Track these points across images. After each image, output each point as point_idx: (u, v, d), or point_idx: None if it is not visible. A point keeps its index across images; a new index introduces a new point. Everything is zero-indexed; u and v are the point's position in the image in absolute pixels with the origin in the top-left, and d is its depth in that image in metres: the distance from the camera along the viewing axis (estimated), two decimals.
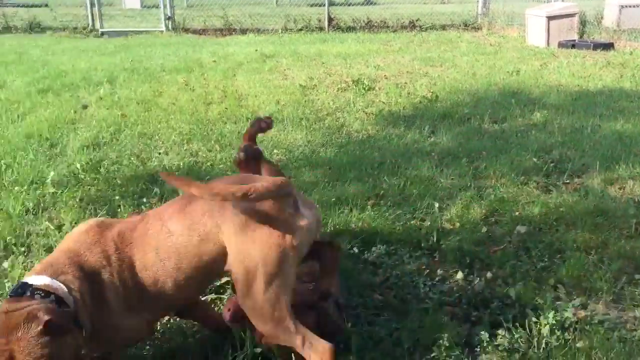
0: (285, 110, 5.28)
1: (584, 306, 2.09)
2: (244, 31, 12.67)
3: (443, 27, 13.20)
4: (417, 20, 13.28)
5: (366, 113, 5.12)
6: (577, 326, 1.93)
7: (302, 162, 3.82)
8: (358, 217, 2.77)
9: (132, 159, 3.92)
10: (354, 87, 6.29)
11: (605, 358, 1.72)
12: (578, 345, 1.81)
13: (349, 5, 19.95)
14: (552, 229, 2.68)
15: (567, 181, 3.31)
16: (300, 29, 12.83)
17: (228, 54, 9.00)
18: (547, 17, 9.41)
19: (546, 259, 2.40)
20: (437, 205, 2.91)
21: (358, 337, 1.92)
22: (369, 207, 2.91)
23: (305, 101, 5.69)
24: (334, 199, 3.04)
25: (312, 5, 19.12)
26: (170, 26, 12.31)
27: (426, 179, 3.38)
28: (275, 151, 4.10)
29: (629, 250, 2.43)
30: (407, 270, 2.35)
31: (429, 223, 2.78)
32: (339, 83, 6.53)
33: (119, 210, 2.95)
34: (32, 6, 17.59)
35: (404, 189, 3.22)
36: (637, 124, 4.46)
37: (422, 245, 2.57)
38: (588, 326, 1.95)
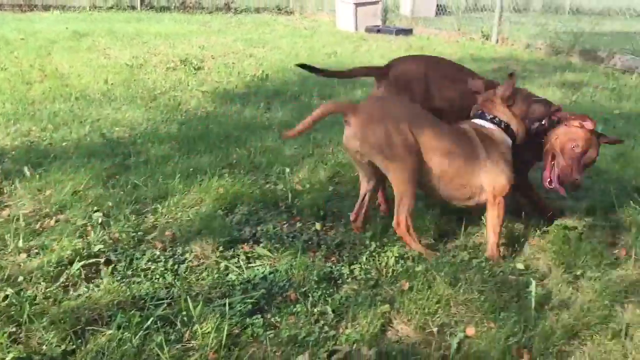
0: (116, 90, 5.20)
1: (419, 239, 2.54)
2: (46, 7, 11.79)
3: (257, 10, 13.57)
4: (232, 2, 13.47)
5: (201, 92, 5.25)
6: (416, 255, 2.37)
7: (147, 138, 3.86)
8: (217, 184, 2.96)
9: None
10: (183, 66, 6.35)
11: (438, 275, 2.16)
12: (417, 268, 2.24)
13: None
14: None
15: None
16: (111, 7, 12.31)
17: (36, 31, 8.39)
18: (354, 4, 10.23)
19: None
20: (287, 170, 3.22)
21: (238, 279, 2.16)
22: (225, 174, 3.12)
23: (135, 80, 5.63)
24: (190, 170, 3.19)
25: None
26: None
27: (271, 149, 3.66)
28: (116, 128, 4.07)
29: None
30: (271, 226, 2.62)
31: (282, 186, 3.07)
32: (167, 62, 6.53)
33: None
34: None
35: (254, 158, 3.48)
36: None
37: (280, 205, 2.86)
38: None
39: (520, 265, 2.34)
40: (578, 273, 2.28)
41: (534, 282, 2.10)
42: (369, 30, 10.06)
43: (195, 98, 5.06)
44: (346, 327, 1.92)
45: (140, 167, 3.26)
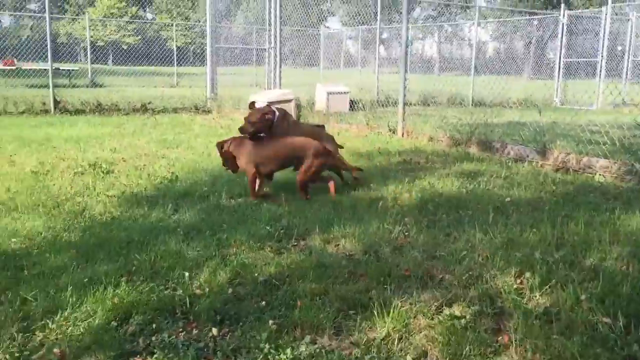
0: (17, 198, 5.06)
1: (313, 341, 2.57)
2: None
3: (175, 110, 13.77)
4: (149, 104, 13.62)
5: (108, 196, 5.20)
6: (310, 358, 2.39)
7: (45, 249, 3.76)
8: (113, 294, 2.91)
9: None
10: (92, 170, 6.30)
11: None
12: None
13: (75, 87, 19.48)
14: (286, 283, 3.18)
15: (295, 243, 3.91)
16: (22, 112, 12.14)
17: None
18: (268, 102, 10.61)
19: (283, 308, 2.87)
20: (187, 274, 3.21)
21: None
22: (122, 283, 3.07)
23: (40, 187, 5.52)
24: (85, 280, 3.12)
25: (30, 87, 18.13)
26: None
27: (174, 252, 3.65)
28: (13, 240, 3.94)
29: (344, 293, 3.04)
30: (166, 335, 2.58)
31: (181, 291, 3.05)
32: (75, 167, 6.46)
33: None
34: None
35: (155, 263, 3.45)
36: (343, 193, 5.39)
37: (177, 311, 2.83)
38: (318, 357, 2.43)
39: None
40: None
41: None
42: None
43: (102, 203, 5.00)
44: None
45: (33, 280, 3.15)
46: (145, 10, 57.62)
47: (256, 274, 3.28)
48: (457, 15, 43.32)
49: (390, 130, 9.57)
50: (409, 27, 9.90)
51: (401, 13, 10.65)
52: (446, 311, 2.76)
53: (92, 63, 25.65)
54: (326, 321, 2.71)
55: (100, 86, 22.30)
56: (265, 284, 3.15)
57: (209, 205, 4.97)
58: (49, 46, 12.38)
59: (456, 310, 2.79)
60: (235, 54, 23.05)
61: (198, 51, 47.55)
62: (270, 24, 13.73)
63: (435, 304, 2.90)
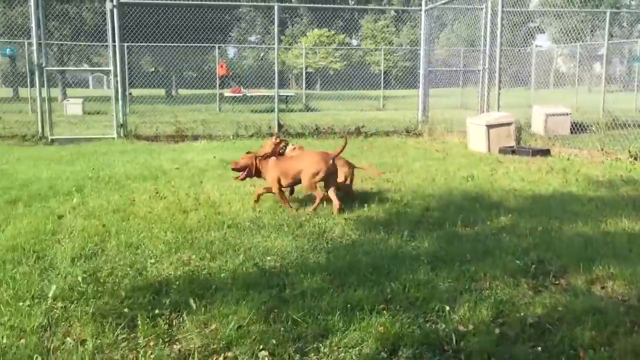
0: (264, 217, 5.43)
1: None
2: (195, 137, 12.94)
3: (386, 133, 13.98)
4: (362, 127, 14.02)
5: (344, 219, 5.34)
6: None
7: (298, 269, 3.93)
8: (376, 322, 2.89)
9: (128, 269, 3.91)
10: (322, 192, 6.55)
11: None
12: None
13: (291, 111, 20.89)
14: (560, 328, 2.88)
15: (554, 282, 3.58)
16: (252, 135, 13.25)
17: (188, 161, 9.17)
18: (486, 125, 10.24)
19: (563, 357, 2.59)
20: (447, 308, 3.08)
21: None
22: (384, 312, 3.04)
23: (279, 207, 5.87)
24: (345, 305, 3.15)
25: (254, 112, 19.83)
26: (122, 133, 12.43)
27: (424, 282, 3.56)
28: (267, 258, 4.19)
29: (631, 347, 2.66)
30: None
31: (443, 326, 2.93)
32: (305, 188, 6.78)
33: (137, 324, 2.94)
34: None
35: (409, 293, 3.39)
36: (594, 227, 4.87)
37: (445, 347, 2.71)
38: None
39: None
40: None
41: None
42: (502, 151, 9.93)
43: (339, 225, 5.14)
44: None
45: (297, 300, 3.28)
46: (351, 37, 60.30)
47: (521, 314, 3.03)
48: None
49: (631, 156, 8.56)
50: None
51: (624, 27, 9.56)
52: None
53: (302, 89, 27.47)
54: None
55: (313, 110, 23.66)
56: (536, 326, 2.89)
57: (446, 233, 4.82)
58: (276, 75, 13.46)
59: None
60: (438, 76, 22.92)
61: (400, 74, 48.41)
62: (485, 45, 13.32)
63: None
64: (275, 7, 13.29)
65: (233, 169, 6.14)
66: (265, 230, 5.02)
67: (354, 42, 63.69)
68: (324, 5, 25.44)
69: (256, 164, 5.98)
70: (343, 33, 53.19)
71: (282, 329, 2.90)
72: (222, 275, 3.80)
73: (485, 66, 13.30)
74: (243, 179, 6.10)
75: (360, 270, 3.82)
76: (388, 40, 53.98)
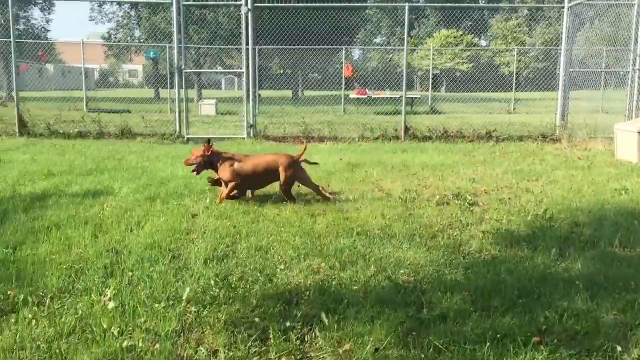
0: (394, 226, 5.17)
1: None
2: (321, 139, 12.96)
3: (520, 138, 13.15)
4: (493, 131, 13.30)
5: (481, 232, 4.94)
6: None
7: (434, 285, 3.64)
8: (535, 359, 2.53)
9: (258, 274, 3.83)
10: (456, 201, 6.17)
11: None
12: None
13: (415, 114, 20.43)
14: None
15: None
16: (377, 138, 13.04)
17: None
18: (638, 132, 9.22)
19: None
20: (618, 348, 2.65)
21: None
22: (540, 347, 2.68)
23: (409, 215, 5.58)
24: (496, 334, 2.82)
25: (378, 114, 19.66)
26: (252, 133, 12.74)
27: (583, 312, 3.13)
28: (400, 271, 3.94)
29: None
30: None
31: None
32: (436, 196, 6.43)
33: (269, 337, 2.82)
34: (118, 112, 18.76)
35: (566, 324, 2.98)
36: None
37: None
38: None
39: None
40: None
41: None
42: None
43: (476, 239, 4.77)
44: None
45: (438, 323, 3.00)
46: (480, 38, 58.25)
47: None
48: None
49: None
50: None
51: None
52: None
53: (427, 90, 26.80)
54: None
55: (439, 113, 23.00)
56: None
57: (601, 253, 4.28)
58: (404, 77, 13.13)
59: None
60: (576, 78, 21.27)
61: (531, 76, 45.89)
62: (636, 44, 12.08)
63: None
64: (406, 7, 12.98)
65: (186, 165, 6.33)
66: (396, 239, 4.76)
67: (483, 42, 61.41)
68: (454, 5, 24.66)
69: (211, 160, 6.11)
70: (471, 33, 51.43)
71: (423, 355, 2.64)
72: (353, 287, 3.60)
73: (636, 67, 12.07)
74: (198, 173, 6.19)
75: (505, 292, 3.46)
76: (520, 40, 51.38)
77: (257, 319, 3.06)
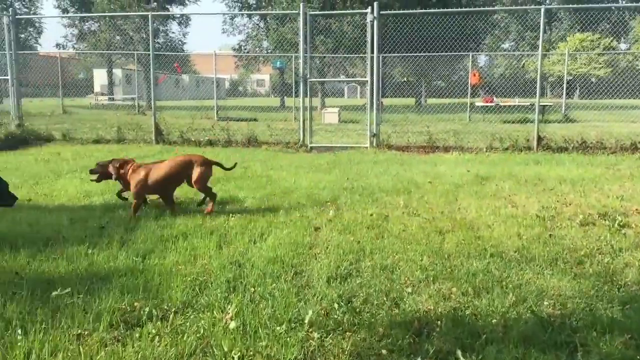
0: (532, 248, 4.69)
1: None
2: (446, 149, 12.46)
3: None
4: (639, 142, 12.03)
5: (639, 260, 4.33)
6: None
7: (586, 322, 3.17)
8: None
9: (384, 298, 3.58)
10: (602, 221, 5.52)
11: None
12: None
13: (547, 122, 19.14)
14: None
15: None
16: (506, 148, 12.29)
17: (440, 174, 8.72)
18: None
19: None
20: None
21: None
22: None
23: (550, 236, 5.05)
24: None
25: (506, 122, 18.65)
26: (374, 142, 12.53)
27: None
28: (544, 303, 3.49)
29: None
30: None
31: None
32: (579, 215, 5.80)
33: None
34: (245, 120, 19.40)
35: None
36: None
37: None
38: None
39: None
40: None
41: None
42: None
43: (632, 267, 4.17)
44: None
45: None
46: (619, 41, 53.92)
47: None
48: None
49: None
50: None
51: None
52: None
53: (559, 97, 25.07)
54: None
55: (573, 121, 21.43)
56: None
57: None
58: (538, 83, 12.30)
59: None
60: None
61: None
62: None
63: None
64: (542, 10, 12.13)
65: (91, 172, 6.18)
66: (536, 264, 4.30)
67: (622, 46, 56.76)
68: (592, 5, 22.86)
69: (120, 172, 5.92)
70: (609, 36, 47.69)
71: None
72: (491, 320, 3.23)
73: None
74: (98, 182, 6.11)
75: None
76: None
77: (384, 351, 2.80)
